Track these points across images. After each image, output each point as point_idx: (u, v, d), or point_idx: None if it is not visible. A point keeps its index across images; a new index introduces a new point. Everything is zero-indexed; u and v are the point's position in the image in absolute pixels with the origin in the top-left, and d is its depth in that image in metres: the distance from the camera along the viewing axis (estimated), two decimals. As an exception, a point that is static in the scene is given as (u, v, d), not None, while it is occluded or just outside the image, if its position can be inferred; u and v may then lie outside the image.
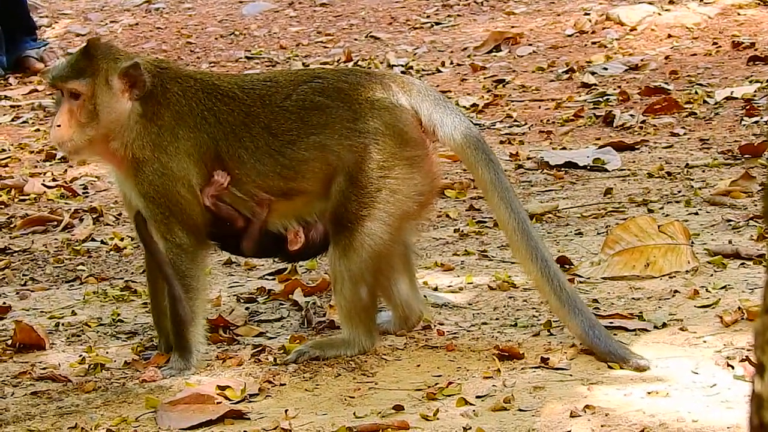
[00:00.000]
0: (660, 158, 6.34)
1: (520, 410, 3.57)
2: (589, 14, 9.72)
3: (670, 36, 9.02)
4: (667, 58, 8.51)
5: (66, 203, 6.37)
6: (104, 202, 6.33)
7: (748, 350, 3.82)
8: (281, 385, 3.86)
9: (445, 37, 9.98)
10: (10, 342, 4.35)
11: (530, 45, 9.32)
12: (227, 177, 4.01)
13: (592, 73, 8.21)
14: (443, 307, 4.45)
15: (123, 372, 4.07)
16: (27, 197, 6.48)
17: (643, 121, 7.07)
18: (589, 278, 4.62)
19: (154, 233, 4.04)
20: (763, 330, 2.10)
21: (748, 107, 7.15)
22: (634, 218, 4.80)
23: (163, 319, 4.13)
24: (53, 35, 11.16)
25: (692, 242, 4.72)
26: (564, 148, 6.69)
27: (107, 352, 4.25)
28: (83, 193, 6.56)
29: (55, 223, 5.98)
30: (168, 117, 4.01)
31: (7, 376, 4.10)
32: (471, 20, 10.48)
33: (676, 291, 4.43)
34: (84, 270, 5.26)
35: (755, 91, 7.45)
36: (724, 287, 4.42)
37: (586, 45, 9.15)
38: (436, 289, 4.65)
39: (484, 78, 8.56)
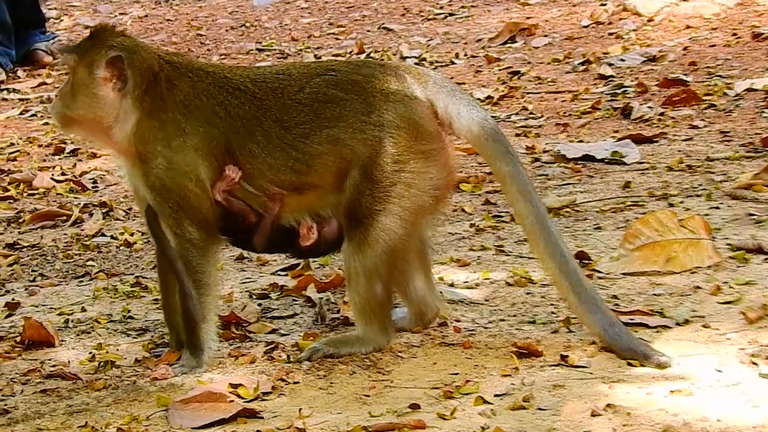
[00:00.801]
0: (680, 151, 6.26)
1: (539, 409, 3.53)
2: (605, 5, 9.64)
3: (688, 27, 8.93)
4: (685, 49, 8.42)
5: (75, 198, 6.33)
6: (114, 196, 6.28)
7: (773, 348, 3.77)
8: (295, 383, 3.82)
9: (459, 28, 9.90)
10: (19, 339, 4.33)
11: (546, 36, 9.24)
12: (239, 171, 3.96)
13: (609, 65, 8.11)
14: (460, 303, 4.41)
15: (134, 370, 4.04)
16: (36, 191, 6.45)
17: (662, 114, 6.99)
18: (608, 274, 4.56)
19: (164, 228, 3.99)
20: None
21: (768, 99, 7.07)
22: (654, 212, 4.75)
23: (175, 315, 4.09)
24: (63, 28, 11.13)
25: (714, 237, 4.65)
26: (581, 141, 6.62)
27: (117, 350, 4.22)
28: (93, 187, 6.52)
29: (65, 217, 5.95)
30: (172, 111, 3.97)
31: (17, 373, 4.07)
32: (485, 11, 10.41)
33: (697, 287, 4.37)
34: (94, 265, 5.23)
35: (775, 83, 7.36)
36: (747, 283, 4.37)
37: (602, 36, 9.06)
38: (452, 285, 4.60)
39: (499, 70, 8.48)
